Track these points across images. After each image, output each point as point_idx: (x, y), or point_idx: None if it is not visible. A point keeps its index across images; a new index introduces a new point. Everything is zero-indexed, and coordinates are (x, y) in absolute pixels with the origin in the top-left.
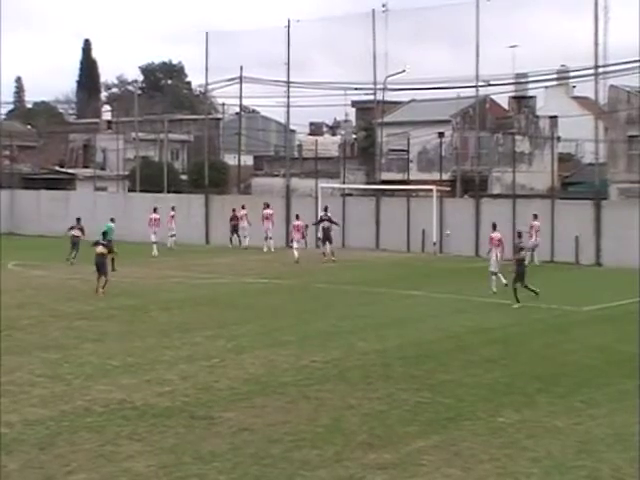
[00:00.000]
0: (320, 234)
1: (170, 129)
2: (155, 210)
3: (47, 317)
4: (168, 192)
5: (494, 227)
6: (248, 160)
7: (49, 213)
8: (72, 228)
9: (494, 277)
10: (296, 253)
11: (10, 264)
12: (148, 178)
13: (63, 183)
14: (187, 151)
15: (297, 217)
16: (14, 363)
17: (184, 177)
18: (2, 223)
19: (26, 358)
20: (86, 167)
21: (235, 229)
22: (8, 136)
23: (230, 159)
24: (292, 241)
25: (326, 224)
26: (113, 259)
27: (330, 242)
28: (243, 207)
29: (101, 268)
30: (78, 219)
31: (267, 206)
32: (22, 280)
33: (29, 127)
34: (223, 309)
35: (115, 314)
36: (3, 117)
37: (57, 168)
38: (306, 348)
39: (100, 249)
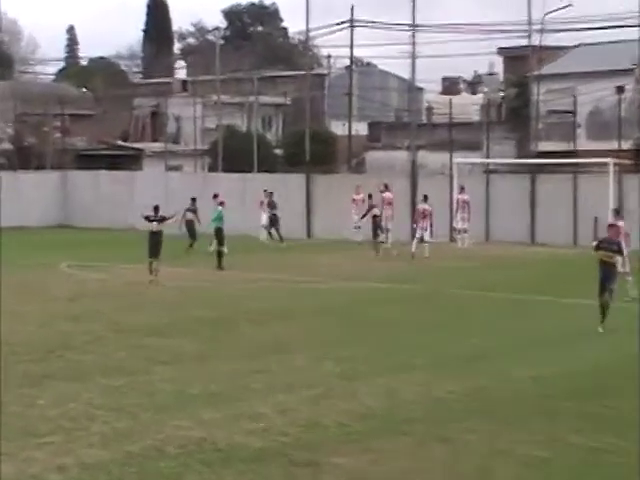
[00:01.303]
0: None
1: (261, 90)
2: (269, 194)
3: (108, 332)
4: (259, 171)
5: None
6: (361, 129)
7: (110, 199)
8: (189, 210)
9: None
10: (426, 248)
11: (62, 265)
12: (233, 153)
13: (127, 161)
14: (283, 118)
15: (425, 199)
16: (67, 391)
17: (278, 151)
18: (51, 213)
19: (82, 385)
20: (155, 141)
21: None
22: (58, 102)
23: (338, 127)
24: (419, 232)
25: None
26: (220, 256)
27: (382, 231)
28: (358, 189)
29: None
30: (193, 199)
31: (386, 188)
32: (77, 285)
33: (84, 90)
34: (330, 323)
35: (194, 329)
36: (52, 78)
37: (119, 142)
38: (439, 374)
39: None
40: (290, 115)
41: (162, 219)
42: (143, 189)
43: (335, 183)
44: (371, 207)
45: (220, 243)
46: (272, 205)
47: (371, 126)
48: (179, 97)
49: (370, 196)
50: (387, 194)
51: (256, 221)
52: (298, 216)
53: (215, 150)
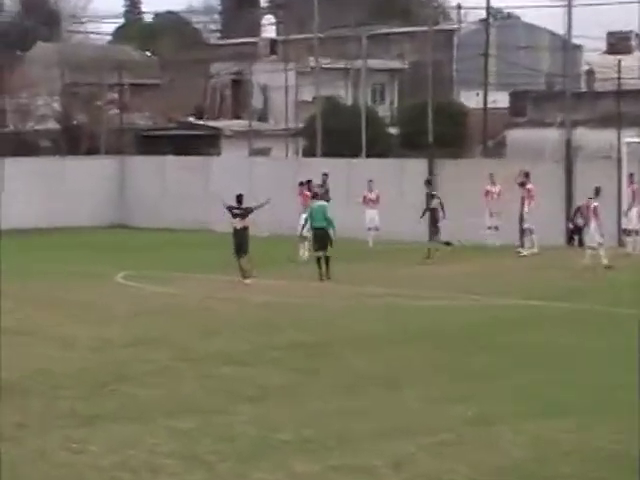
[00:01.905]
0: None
1: (371, 52)
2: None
3: (176, 361)
4: (368, 155)
5: None
6: (501, 100)
7: (178, 192)
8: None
9: None
10: (588, 255)
11: (118, 275)
12: (335, 133)
13: (201, 144)
14: (398, 87)
15: (597, 192)
16: (125, 435)
17: (393, 130)
18: (105, 209)
19: (143, 427)
20: (237, 117)
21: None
22: (115, 69)
23: (470, 99)
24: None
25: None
26: (327, 263)
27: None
28: (493, 179)
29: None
30: (325, 172)
31: (526, 177)
32: (137, 302)
33: (148, 54)
34: (454, 350)
35: (283, 357)
36: (107, 39)
37: (191, 120)
38: (604, 419)
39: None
40: (408, 84)
41: (247, 212)
42: (221, 178)
43: (465, 171)
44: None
45: (320, 247)
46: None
47: (513, 96)
48: (267, 62)
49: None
50: (530, 186)
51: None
52: (417, 212)
53: (312, 129)
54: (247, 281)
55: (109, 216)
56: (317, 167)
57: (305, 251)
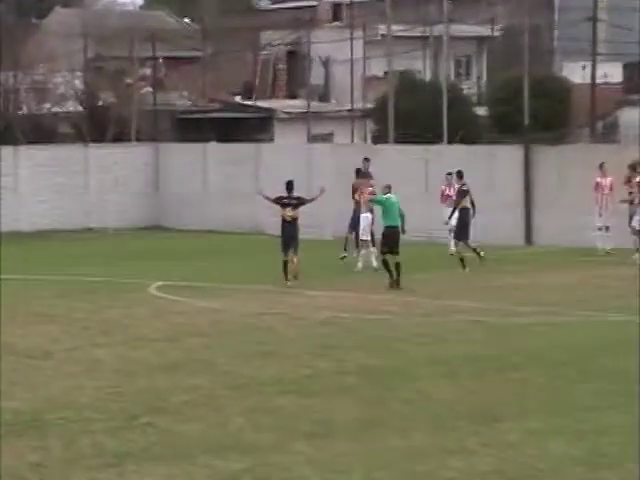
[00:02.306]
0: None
1: (454, 15)
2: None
3: (221, 389)
4: (450, 142)
5: None
6: (613, 73)
7: (224, 186)
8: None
9: None
10: None
11: (153, 287)
12: (411, 115)
13: (250, 128)
14: (487, 59)
15: None
16: (161, 477)
17: (482, 111)
18: (138, 208)
19: (183, 467)
20: (293, 97)
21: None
22: (148, 39)
23: (575, 72)
24: None
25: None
26: (397, 269)
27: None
28: (604, 169)
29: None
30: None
31: (634, 169)
32: (175, 318)
33: (186, 22)
34: (558, 377)
35: (348, 385)
36: (139, 4)
37: (238, 100)
38: None
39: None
40: (499, 54)
41: (299, 202)
42: (274, 169)
43: (569, 158)
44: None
45: (391, 249)
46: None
47: (628, 69)
48: (328, 30)
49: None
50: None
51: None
52: (511, 209)
53: (383, 110)
54: (289, 283)
55: (141, 216)
56: (389, 155)
57: (360, 260)
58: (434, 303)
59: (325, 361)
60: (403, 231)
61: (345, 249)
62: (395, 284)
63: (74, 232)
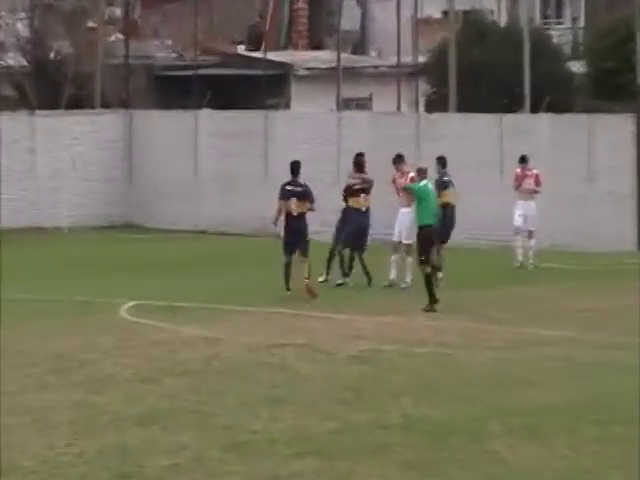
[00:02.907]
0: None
1: None
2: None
3: (215, 450)
4: (534, 109)
5: None
6: None
7: (222, 170)
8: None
9: None
10: None
11: (124, 308)
12: (481, 73)
13: (257, 90)
14: None
15: None
16: None
17: (577, 67)
18: (104, 201)
19: None
20: (317, 47)
21: None
22: None
23: None
24: None
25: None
26: (429, 282)
27: None
28: None
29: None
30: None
31: None
32: (152, 351)
33: None
34: None
35: (390, 444)
36: None
37: (241, 51)
38: None
39: None
40: None
41: (306, 191)
42: (289, 146)
43: None
44: None
45: (422, 259)
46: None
47: None
48: None
49: None
50: None
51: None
52: (617, 204)
53: (441, 66)
54: (304, 298)
55: (108, 211)
56: (449, 128)
57: (395, 268)
58: (507, 331)
59: (358, 411)
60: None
61: (327, 269)
62: (429, 306)
63: (16, 232)
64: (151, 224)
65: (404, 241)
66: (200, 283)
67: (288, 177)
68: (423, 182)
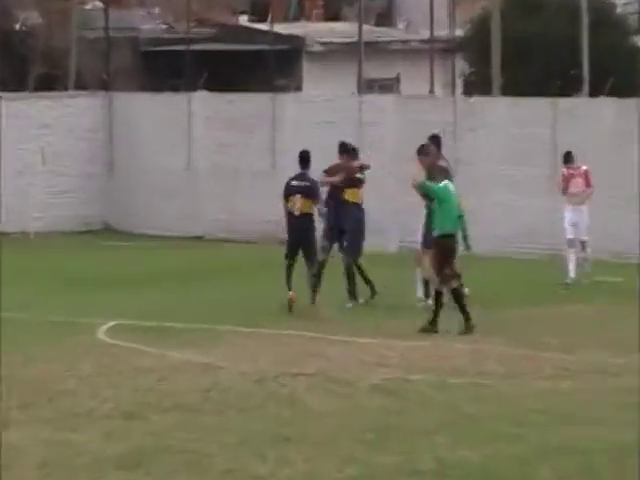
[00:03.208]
0: None
1: None
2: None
3: None
4: (595, 92)
5: None
6: None
7: (220, 163)
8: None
9: None
10: None
11: (103, 329)
12: (531, 50)
13: (262, 69)
14: None
15: None
16: None
17: None
18: (81, 201)
19: None
20: (333, 19)
21: None
22: None
23: None
24: None
25: None
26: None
27: None
28: None
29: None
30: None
31: None
32: (137, 380)
33: None
34: None
35: None
36: None
37: (243, 22)
38: None
39: None
40: None
41: (312, 187)
42: (302, 135)
43: None
44: None
45: (444, 275)
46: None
47: None
48: None
49: None
50: None
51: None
52: None
53: (482, 41)
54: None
55: (84, 212)
56: (492, 114)
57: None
58: (557, 358)
59: (382, 453)
60: (467, 246)
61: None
62: (467, 327)
63: None
64: (135, 228)
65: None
66: (194, 299)
67: (298, 171)
68: (444, 182)
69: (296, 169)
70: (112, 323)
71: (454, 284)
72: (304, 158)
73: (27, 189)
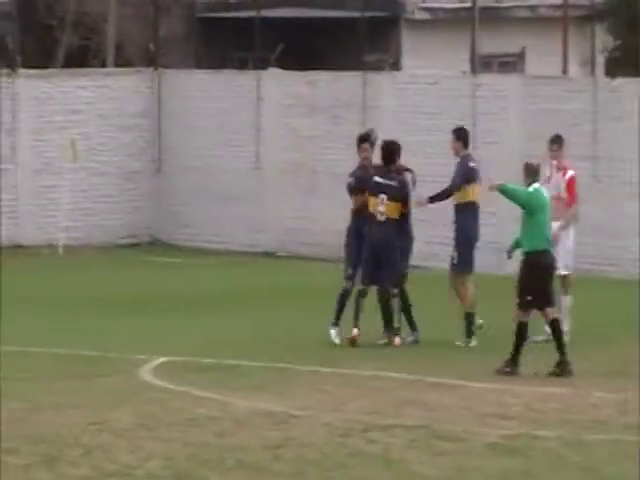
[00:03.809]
0: None
1: None
2: None
3: None
4: None
5: None
6: None
7: (297, 162)
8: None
9: None
10: None
11: (147, 367)
12: None
13: (349, 42)
14: None
15: None
16: None
17: None
18: (122, 208)
19: None
20: None
21: None
22: None
23: None
24: None
25: None
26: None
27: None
28: None
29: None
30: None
31: None
32: (192, 433)
33: None
34: None
35: None
36: None
37: None
38: None
39: None
40: None
41: (401, 188)
42: (401, 126)
43: None
44: None
45: (537, 300)
46: None
47: None
48: None
49: None
50: None
51: None
52: None
53: (629, 7)
54: (397, 340)
55: (125, 221)
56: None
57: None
58: None
59: None
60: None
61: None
62: (561, 369)
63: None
64: (189, 241)
65: (562, 271)
66: (262, 330)
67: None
68: (534, 185)
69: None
70: (160, 360)
71: (553, 313)
72: (388, 151)
73: (52, 192)
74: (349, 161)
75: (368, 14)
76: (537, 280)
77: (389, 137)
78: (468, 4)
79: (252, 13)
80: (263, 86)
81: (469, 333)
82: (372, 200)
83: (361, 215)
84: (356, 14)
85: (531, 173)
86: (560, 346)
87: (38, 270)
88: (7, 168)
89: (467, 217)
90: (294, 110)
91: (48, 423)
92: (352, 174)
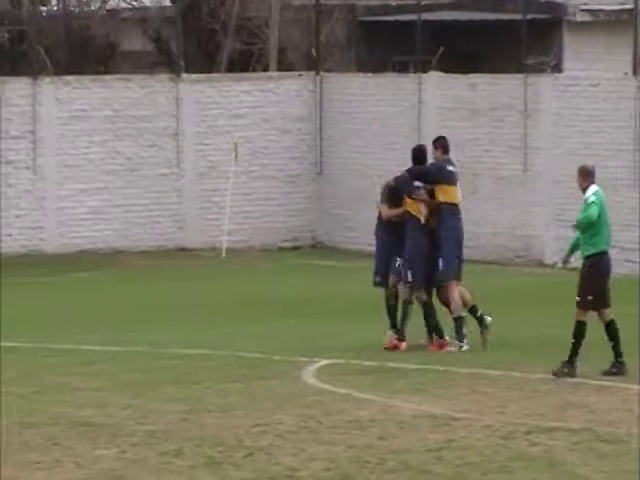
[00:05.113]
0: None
1: None
2: None
3: None
4: None
5: None
6: None
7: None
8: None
9: None
10: None
11: (310, 369)
12: None
13: (509, 43)
14: None
15: None
16: None
17: None
18: (283, 211)
19: None
20: None
21: None
22: None
23: None
24: None
25: None
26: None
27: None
28: None
29: None
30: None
31: None
32: (358, 440)
33: None
34: None
35: None
36: None
37: None
38: None
39: None
40: None
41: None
42: (560, 130)
43: None
44: None
45: (596, 301)
46: None
47: None
48: None
49: None
50: None
51: None
52: None
53: None
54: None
55: (289, 224)
56: None
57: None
58: None
59: None
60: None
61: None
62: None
63: (156, 255)
64: (350, 244)
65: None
66: (419, 334)
67: (558, 174)
68: (592, 188)
69: (555, 173)
70: (323, 362)
71: (609, 315)
72: (419, 154)
73: (214, 195)
74: (509, 165)
75: (530, 16)
76: (599, 281)
77: (549, 142)
78: (630, 5)
79: (413, 16)
80: (424, 89)
81: (460, 337)
82: (413, 200)
83: None
84: (517, 17)
85: (587, 175)
86: (617, 346)
87: (201, 273)
88: (172, 172)
89: (452, 219)
90: (455, 113)
91: (212, 425)
92: None
